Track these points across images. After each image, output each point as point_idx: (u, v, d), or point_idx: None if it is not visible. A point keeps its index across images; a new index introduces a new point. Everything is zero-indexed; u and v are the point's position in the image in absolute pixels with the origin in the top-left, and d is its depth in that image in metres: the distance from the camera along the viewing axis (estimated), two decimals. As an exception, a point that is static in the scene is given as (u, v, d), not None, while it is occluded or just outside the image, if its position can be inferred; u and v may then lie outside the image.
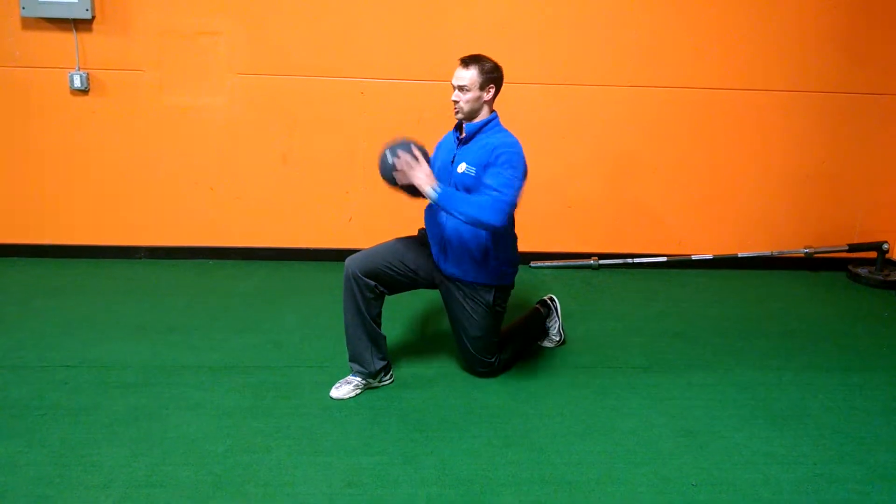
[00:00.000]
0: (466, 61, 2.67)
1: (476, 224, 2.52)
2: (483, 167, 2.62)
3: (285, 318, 3.55)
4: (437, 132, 2.99)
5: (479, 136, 2.72)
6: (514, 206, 2.58)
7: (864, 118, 4.51)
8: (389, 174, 2.61)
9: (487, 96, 2.70)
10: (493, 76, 2.69)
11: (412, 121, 4.29)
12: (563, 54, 4.31)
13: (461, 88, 2.66)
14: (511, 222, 2.79)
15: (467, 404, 2.69)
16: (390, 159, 2.57)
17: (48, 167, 4.31)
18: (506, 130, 2.75)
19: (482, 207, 2.50)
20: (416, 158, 2.55)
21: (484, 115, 2.73)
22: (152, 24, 4.13)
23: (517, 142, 2.68)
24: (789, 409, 2.72)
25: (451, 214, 2.54)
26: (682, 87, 4.39)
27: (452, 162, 2.73)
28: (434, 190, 2.52)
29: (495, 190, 2.53)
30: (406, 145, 2.60)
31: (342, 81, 4.29)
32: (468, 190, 2.65)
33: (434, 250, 2.82)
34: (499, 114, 2.77)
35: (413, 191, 2.63)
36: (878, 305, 4.05)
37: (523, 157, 2.65)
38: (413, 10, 4.20)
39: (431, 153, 2.88)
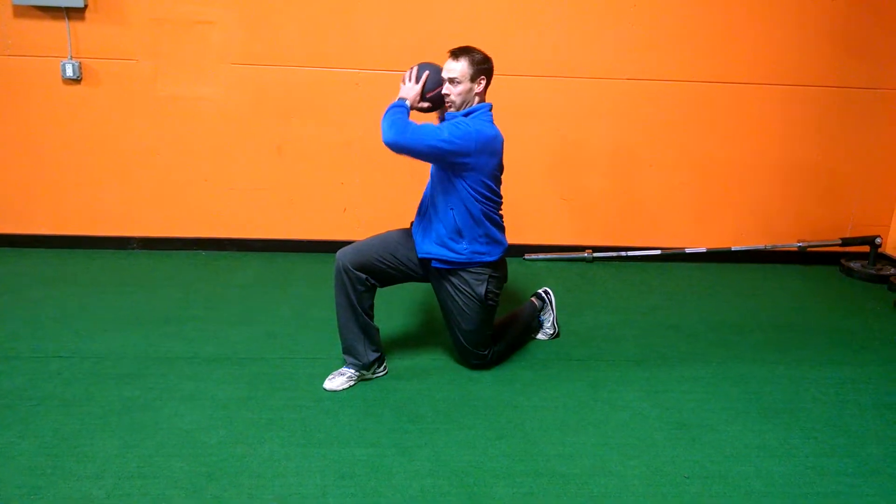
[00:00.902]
0: (456, 53, 2.66)
1: (382, 133, 2.56)
2: None
3: (279, 309, 3.55)
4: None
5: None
6: (412, 146, 2.52)
7: (858, 112, 4.51)
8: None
9: (479, 88, 2.69)
10: (483, 67, 2.68)
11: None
12: (560, 47, 4.30)
13: (452, 81, 2.65)
14: (492, 203, 2.76)
15: (461, 396, 2.69)
16: (414, 69, 2.69)
17: (40, 157, 4.28)
18: (490, 122, 2.70)
19: (393, 123, 2.53)
20: (418, 79, 2.64)
21: (473, 105, 2.71)
22: (145, 12, 4.09)
23: (483, 130, 2.62)
24: (782, 402, 2.74)
25: (385, 117, 2.58)
26: (678, 80, 4.38)
27: None
28: (398, 101, 2.62)
29: (419, 126, 2.54)
30: (426, 67, 2.68)
31: (338, 72, 4.27)
32: (437, 172, 2.70)
33: (415, 233, 2.82)
34: (494, 105, 2.75)
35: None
36: (871, 299, 4.07)
37: (471, 137, 2.57)
38: (409, 0, 4.17)
39: None
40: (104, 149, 4.29)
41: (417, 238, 2.80)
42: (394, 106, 2.60)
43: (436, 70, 2.69)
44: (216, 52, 4.18)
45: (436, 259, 2.76)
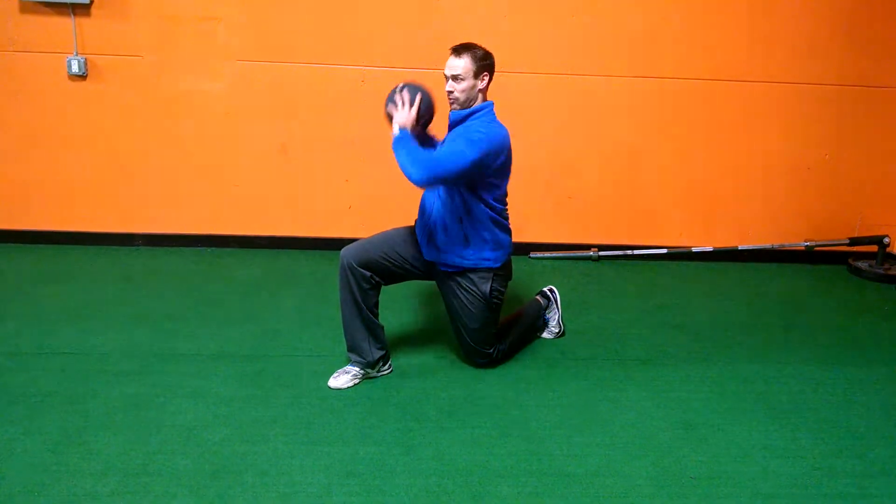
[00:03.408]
0: (458, 49, 2.63)
1: (403, 169, 2.50)
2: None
3: (283, 307, 3.54)
4: (437, 120, 2.96)
5: (463, 124, 2.67)
6: (445, 176, 2.50)
7: (866, 111, 4.48)
8: (386, 104, 2.64)
9: (482, 84, 2.67)
10: (486, 63, 2.66)
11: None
12: (564, 44, 4.28)
13: (455, 78, 2.62)
14: (501, 207, 2.76)
15: (466, 395, 2.68)
16: (396, 94, 2.61)
17: (45, 153, 4.28)
18: (497, 121, 2.69)
19: (415, 161, 2.47)
20: (411, 104, 2.57)
21: (477, 103, 2.69)
22: (151, 9, 4.09)
23: (499, 132, 2.62)
24: (789, 402, 2.72)
25: (395, 154, 2.53)
26: (685, 78, 4.36)
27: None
28: (398, 133, 2.55)
29: (441, 154, 2.51)
30: (416, 89, 2.61)
31: (343, 69, 4.25)
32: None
33: (420, 238, 2.80)
34: (498, 103, 2.74)
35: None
36: (879, 299, 4.04)
37: (492, 143, 2.56)
38: (414, -3, 4.17)
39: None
40: (109, 145, 4.29)
41: (423, 242, 2.79)
42: (400, 139, 2.53)
43: (424, 90, 2.63)
44: (221, 48, 4.18)
45: (442, 264, 2.75)
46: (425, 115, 2.65)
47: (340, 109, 4.31)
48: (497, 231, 2.74)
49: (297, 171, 4.41)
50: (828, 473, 2.25)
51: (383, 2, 4.16)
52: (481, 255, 2.73)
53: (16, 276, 3.85)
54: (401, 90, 2.61)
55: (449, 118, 2.72)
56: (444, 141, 2.73)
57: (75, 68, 4.10)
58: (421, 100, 2.60)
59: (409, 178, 2.48)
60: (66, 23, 4.07)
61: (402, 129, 2.55)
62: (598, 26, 4.26)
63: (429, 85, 2.67)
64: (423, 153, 2.50)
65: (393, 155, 2.53)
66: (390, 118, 2.62)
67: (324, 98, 4.29)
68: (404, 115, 2.57)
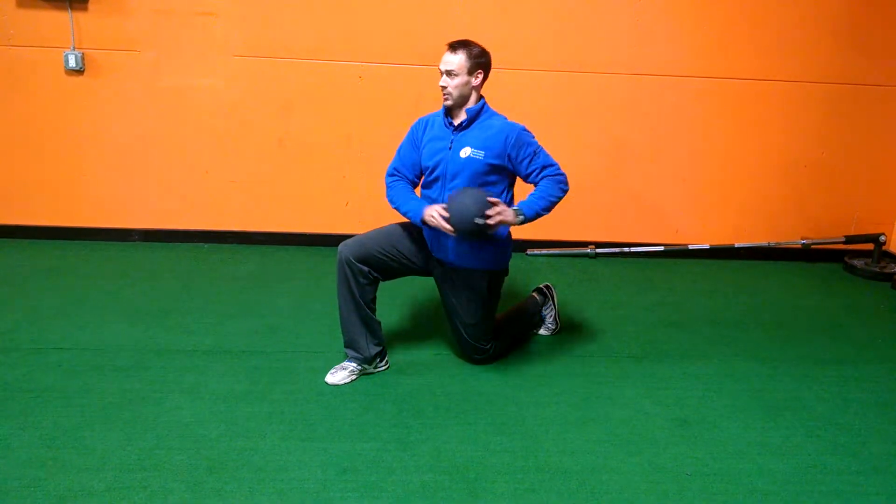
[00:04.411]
0: (454, 46, 2.64)
1: (558, 202, 2.67)
2: (498, 150, 2.63)
3: (280, 302, 3.54)
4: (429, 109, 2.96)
5: (479, 121, 2.70)
6: (566, 179, 2.71)
7: (862, 109, 4.49)
8: (482, 232, 2.54)
9: (476, 81, 2.67)
10: (481, 61, 2.66)
11: (410, 105, 4.25)
12: (561, 41, 4.27)
13: (449, 73, 2.63)
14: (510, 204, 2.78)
15: (463, 391, 2.68)
16: (481, 222, 2.49)
17: (42, 148, 4.27)
18: (499, 113, 2.77)
19: (554, 187, 2.64)
20: (496, 204, 2.55)
21: (473, 101, 2.70)
22: (148, 3, 4.08)
23: (515, 122, 2.71)
24: (784, 399, 2.73)
25: (543, 215, 2.65)
26: (682, 76, 4.36)
27: (450, 148, 2.70)
28: (521, 217, 2.62)
29: (547, 166, 2.66)
30: (482, 200, 2.51)
31: (340, 65, 4.25)
32: (477, 173, 2.65)
33: (429, 238, 2.80)
34: (495, 99, 2.75)
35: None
36: (874, 297, 4.05)
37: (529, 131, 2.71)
38: (412, -7, 4.16)
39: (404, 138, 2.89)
40: (106, 140, 4.28)
41: (434, 246, 2.79)
42: (527, 215, 2.63)
43: (481, 201, 2.54)
44: (218, 43, 4.17)
45: (451, 264, 2.77)
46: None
47: (338, 105, 4.31)
48: (504, 230, 2.77)
49: (295, 166, 4.40)
50: (822, 470, 2.26)
51: (381, -3, 4.15)
52: (494, 257, 2.77)
53: (12, 271, 3.84)
54: (482, 217, 2.50)
55: (456, 115, 2.73)
56: (447, 146, 2.72)
57: (72, 63, 4.09)
58: (486, 195, 2.57)
59: (563, 195, 2.70)
60: (63, 17, 4.05)
61: (520, 218, 2.62)
62: (594, 23, 4.25)
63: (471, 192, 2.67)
64: (545, 185, 2.65)
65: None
66: (480, 228, 2.53)
67: (321, 94, 4.28)
68: (509, 216, 2.57)
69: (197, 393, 2.58)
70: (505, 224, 2.60)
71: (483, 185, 2.67)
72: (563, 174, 2.68)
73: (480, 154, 2.63)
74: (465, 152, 2.65)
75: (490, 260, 2.76)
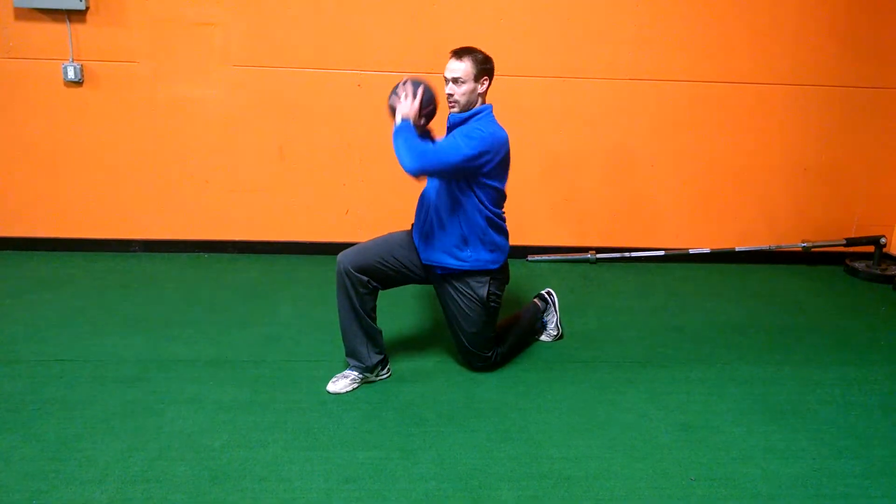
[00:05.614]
0: (459, 53, 2.64)
1: (399, 158, 2.51)
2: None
3: (282, 311, 3.53)
4: (434, 124, 2.96)
5: (463, 125, 2.67)
6: (439, 167, 2.53)
7: (862, 112, 4.50)
8: (389, 97, 2.66)
9: (482, 88, 2.68)
10: (486, 67, 2.67)
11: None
12: (561, 47, 4.28)
13: (456, 81, 2.63)
14: (499, 210, 2.76)
15: (465, 398, 2.68)
16: (399, 87, 2.63)
17: (42, 159, 4.27)
18: (496, 122, 2.71)
19: (411, 150, 2.48)
20: (414, 96, 2.58)
21: (477, 107, 2.70)
22: (147, 14, 4.09)
23: (498, 132, 2.64)
24: (787, 403, 2.72)
25: (395, 143, 2.53)
26: (681, 80, 4.37)
27: None
28: (399, 122, 2.55)
29: (437, 146, 2.56)
30: (418, 83, 2.63)
31: (339, 74, 4.26)
32: (443, 181, 2.67)
33: (417, 239, 2.80)
34: (496, 106, 2.74)
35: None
36: (876, 300, 4.05)
37: (489, 142, 2.58)
38: (411, 1, 4.16)
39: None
40: (105, 151, 4.29)
41: (420, 245, 2.79)
42: (401, 129, 2.54)
43: (426, 85, 2.65)
44: (217, 53, 4.18)
45: (440, 267, 2.75)
46: (427, 107, 2.66)
47: (337, 114, 4.31)
48: (494, 233, 2.74)
49: (295, 175, 4.41)
50: (827, 474, 2.25)
51: (379, 6, 4.16)
52: (478, 257, 2.73)
53: (13, 283, 3.84)
54: (404, 83, 2.64)
55: (448, 120, 2.73)
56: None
57: (71, 75, 4.10)
58: (423, 92, 2.62)
59: (404, 166, 2.49)
60: (61, 29, 4.07)
61: (404, 120, 2.56)
62: (594, 29, 4.26)
63: (432, 83, 2.68)
64: (421, 144, 2.52)
65: (392, 148, 2.54)
66: (392, 110, 2.64)
67: (320, 103, 4.29)
68: (407, 106, 2.58)
69: (199, 403, 2.57)
70: (396, 105, 2.60)
71: (450, 191, 2.66)
72: (426, 156, 2.48)
73: None
74: None
75: (469, 263, 2.72)
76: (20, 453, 2.22)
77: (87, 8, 4.03)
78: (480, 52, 2.67)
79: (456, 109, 2.67)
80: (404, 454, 2.29)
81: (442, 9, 4.18)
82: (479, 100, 2.69)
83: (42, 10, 4.01)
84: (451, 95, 2.64)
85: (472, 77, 2.62)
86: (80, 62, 4.13)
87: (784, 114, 4.47)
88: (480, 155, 2.56)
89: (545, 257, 4.61)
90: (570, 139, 4.45)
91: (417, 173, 2.51)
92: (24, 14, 4.03)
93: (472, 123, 2.65)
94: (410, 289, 3.03)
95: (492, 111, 2.71)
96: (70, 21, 4.06)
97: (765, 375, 2.96)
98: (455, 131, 2.65)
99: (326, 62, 4.23)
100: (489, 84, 2.70)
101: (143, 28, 4.11)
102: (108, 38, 4.11)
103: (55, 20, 4.05)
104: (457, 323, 2.81)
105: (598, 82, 4.35)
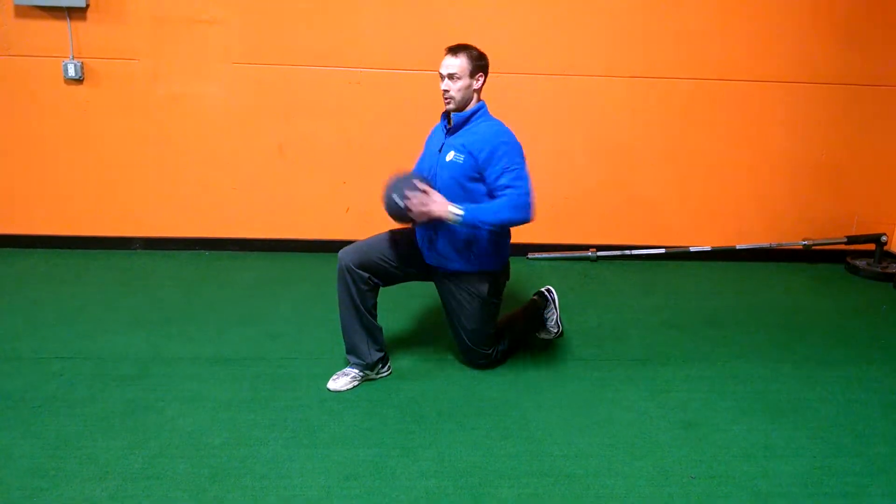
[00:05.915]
0: (455, 49, 2.65)
1: (509, 225, 2.58)
2: (476, 158, 2.60)
3: (282, 309, 3.53)
4: (433, 121, 2.96)
5: (468, 126, 2.69)
6: (531, 194, 2.58)
7: (863, 110, 4.49)
8: (404, 216, 2.56)
9: (477, 84, 2.68)
10: (481, 63, 2.68)
11: (409, 110, 4.26)
12: (560, 44, 4.28)
13: (451, 77, 2.63)
14: None
15: (465, 396, 2.68)
16: (401, 203, 2.51)
17: (42, 157, 4.27)
18: (494, 118, 2.73)
19: (507, 208, 2.52)
20: (426, 192, 2.52)
21: (473, 104, 2.71)
22: (147, 12, 4.09)
23: (508, 129, 2.67)
24: (787, 401, 2.72)
25: (480, 228, 2.55)
26: (682, 77, 4.36)
27: (440, 151, 2.72)
28: (456, 214, 2.51)
29: (509, 187, 2.55)
30: (409, 182, 2.54)
31: (338, 71, 4.25)
32: (455, 178, 2.64)
33: (420, 242, 2.80)
34: (495, 104, 2.75)
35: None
36: (877, 298, 4.05)
37: (518, 143, 2.64)
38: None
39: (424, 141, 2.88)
40: (106, 148, 4.29)
41: (424, 248, 2.78)
42: (469, 217, 2.51)
43: (408, 182, 2.56)
44: (217, 51, 4.18)
45: (443, 268, 2.75)
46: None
47: (337, 111, 4.31)
48: (498, 235, 2.75)
49: (295, 173, 4.41)
50: (827, 472, 2.25)
51: (378, 4, 4.16)
52: (482, 259, 2.74)
53: (13, 279, 3.84)
54: (402, 198, 2.51)
55: (452, 119, 2.73)
56: (438, 148, 2.72)
57: (72, 72, 4.10)
58: (423, 181, 2.55)
59: (518, 221, 2.56)
60: (62, 27, 4.06)
61: (454, 213, 2.52)
62: (594, 26, 4.26)
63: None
64: (500, 201, 2.55)
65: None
66: (395, 214, 2.57)
67: (320, 100, 4.29)
68: (439, 206, 2.52)
69: (199, 401, 2.57)
70: (431, 216, 2.53)
71: (465, 189, 2.65)
72: (524, 200, 2.55)
73: (461, 158, 2.63)
74: (450, 156, 2.66)
75: (474, 263, 2.73)
76: (20, 451, 2.22)
77: (88, 5, 4.03)
78: (475, 49, 2.67)
79: (452, 106, 2.68)
80: (404, 452, 2.29)
81: (442, 6, 4.18)
82: (475, 96, 2.70)
83: (42, 8, 4.01)
84: (446, 91, 2.65)
85: (468, 73, 2.63)
86: (81, 60, 4.12)
87: (785, 111, 4.47)
88: (524, 156, 2.65)
89: (545, 255, 4.61)
90: (571, 137, 4.44)
91: (532, 213, 2.57)
92: (24, 11, 4.03)
93: (481, 130, 2.65)
94: (411, 286, 3.02)
95: (486, 108, 2.73)
96: (70, 18, 4.05)
97: (765, 373, 2.96)
98: (491, 156, 2.59)
99: (326, 59, 4.23)
100: (484, 81, 2.70)
101: (143, 25, 4.11)
102: (109, 36, 4.11)
103: (55, 17, 4.05)
104: (457, 319, 2.81)
105: (600, 80, 4.35)
